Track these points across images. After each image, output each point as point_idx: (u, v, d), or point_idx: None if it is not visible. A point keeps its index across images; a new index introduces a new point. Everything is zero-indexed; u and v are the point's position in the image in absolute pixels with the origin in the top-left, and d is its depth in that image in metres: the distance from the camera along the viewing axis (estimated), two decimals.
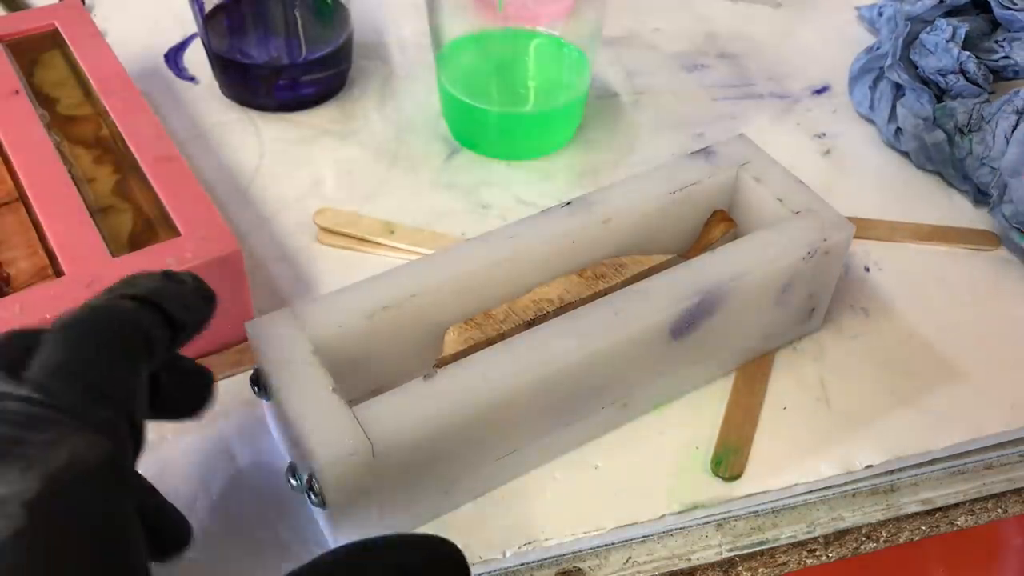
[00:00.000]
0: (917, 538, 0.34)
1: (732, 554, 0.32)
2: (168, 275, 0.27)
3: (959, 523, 0.34)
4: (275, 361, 0.29)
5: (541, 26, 0.45)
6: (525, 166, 0.46)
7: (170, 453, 0.33)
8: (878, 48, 0.49)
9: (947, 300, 0.40)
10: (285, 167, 0.45)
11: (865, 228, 0.43)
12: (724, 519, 0.33)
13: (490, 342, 0.31)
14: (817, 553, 0.33)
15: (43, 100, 0.42)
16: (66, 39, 0.44)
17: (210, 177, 0.45)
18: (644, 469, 0.33)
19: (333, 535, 0.29)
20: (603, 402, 0.33)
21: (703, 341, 0.33)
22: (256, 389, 0.30)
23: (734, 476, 0.33)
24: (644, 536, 0.32)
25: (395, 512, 0.30)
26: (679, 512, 0.32)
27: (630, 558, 0.32)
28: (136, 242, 0.35)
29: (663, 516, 0.32)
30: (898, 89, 0.47)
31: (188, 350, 0.27)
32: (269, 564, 0.30)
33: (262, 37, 0.47)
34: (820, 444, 0.34)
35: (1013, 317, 0.40)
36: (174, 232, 0.35)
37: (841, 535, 0.33)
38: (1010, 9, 0.47)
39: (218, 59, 0.47)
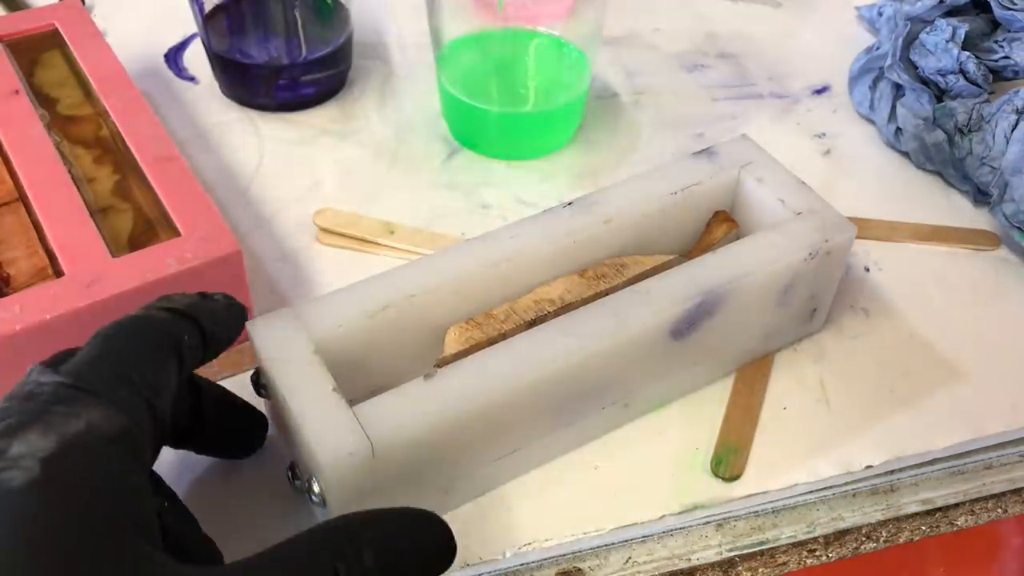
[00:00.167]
0: (917, 538, 0.34)
1: (732, 554, 0.32)
2: (203, 295, 0.29)
3: (959, 523, 0.34)
4: (276, 360, 0.29)
5: (541, 26, 0.45)
6: (525, 166, 0.46)
7: (170, 452, 0.33)
8: (878, 48, 0.49)
9: (947, 300, 0.40)
10: (285, 167, 0.45)
11: (865, 228, 0.43)
12: (724, 519, 0.33)
13: (491, 342, 0.31)
14: (817, 553, 0.33)
15: (43, 100, 0.42)
16: (66, 39, 0.44)
17: (210, 177, 0.45)
18: (644, 469, 0.33)
19: None
20: (604, 402, 0.33)
21: (704, 342, 0.33)
22: (257, 388, 0.30)
23: (734, 476, 0.33)
24: (644, 536, 0.32)
25: None
26: (679, 512, 0.32)
27: (630, 558, 0.32)
28: (136, 242, 0.35)
29: (663, 516, 0.32)
30: (898, 89, 0.47)
31: None
32: None
33: (262, 37, 0.47)
34: (820, 444, 0.34)
35: (1013, 317, 0.40)
36: (174, 232, 0.35)
37: (841, 535, 0.33)
38: (1010, 9, 0.47)
39: (218, 59, 0.47)
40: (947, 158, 0.45)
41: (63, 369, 0.24)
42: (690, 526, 0.33)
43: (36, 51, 0.44)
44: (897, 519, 0.34)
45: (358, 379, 0.31)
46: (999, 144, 0.42)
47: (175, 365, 0.26)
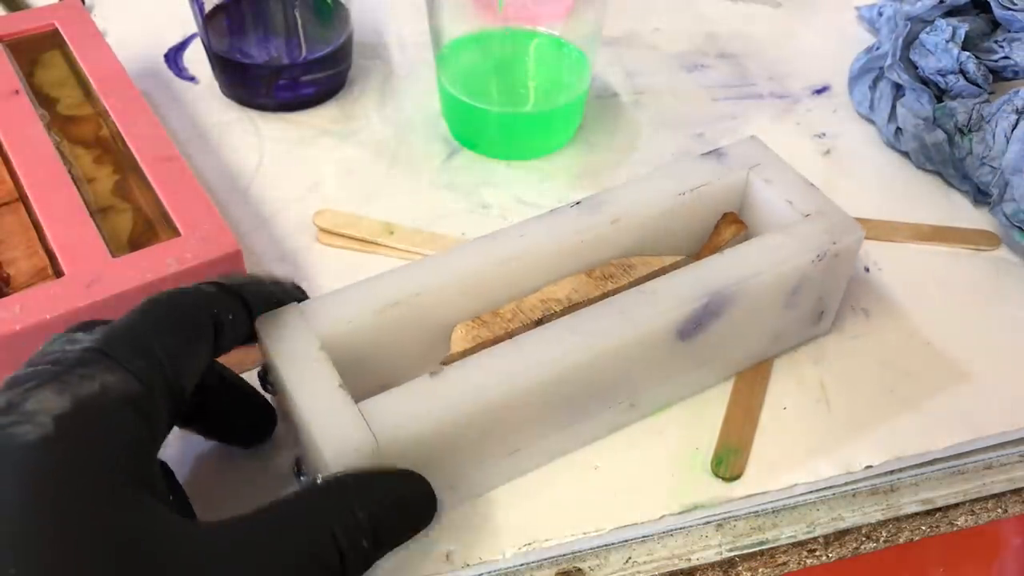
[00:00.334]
0: (917, 538, 0.34)
1: (732, 554, 0.32)
2: (276, 281, 0.31)
3: (959, 523, 0.34)
4: (283, 357, 0.29)
5: (541, 26, 0.45)
6: (525, 166, 0.46)
7: (177, 447, 0.33)
8: (878, 48, 0.49)
9: (947, 300, 0.40)
10: (285, 167, 0.45)
11: (865, 228, 0.42)
12: (724, 519, 0.33)
13: (497, 341, 0.31)
14: (817, 553, 0.33)
15: (43, 100, 0.42)
16: (66, 39, 0.44)
17: (210, 177, 0.45)
18: (644, 469, 0.33)
19: None
20: (609, 402, 0.33)
21: (711, 343, 0.33)
22: (264, 384, 0.31)
23: (734, 476, 0.33)
24: (644, 536, 0.32)
25: None
26: (679, 512, 0.32)
27: (630, 558, 0.32)
28: (136, 242, 0.35)
29: (663, 516, 0.32)
30: (898, 89, 0.47)
31: None
32: None
33: (262, 37, 0.47)
34: (820, 444, 0.34)
35: (1014, 317, 0.40)
36: (174, 232, 0.35)
37: (841, 535, 0.33)
38: (1010, 9, 0.47)
39: (218, 59, 0.47)
40: (947, 158, 0.45)
41: (97, 331, 0.25)
42: (690, 526, 0.33)
43: (36, 51, 0.44)
44: (897, 519, 0.34)
45: (364, 376, 0.31)
46: (999, 144, 0.42)
47: (206, 342, 0.27)
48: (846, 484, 0.34)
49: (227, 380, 0.31)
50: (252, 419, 0.32)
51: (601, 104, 0.50)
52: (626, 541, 0.32)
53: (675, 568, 0.32)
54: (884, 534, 0.33)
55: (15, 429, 0.21)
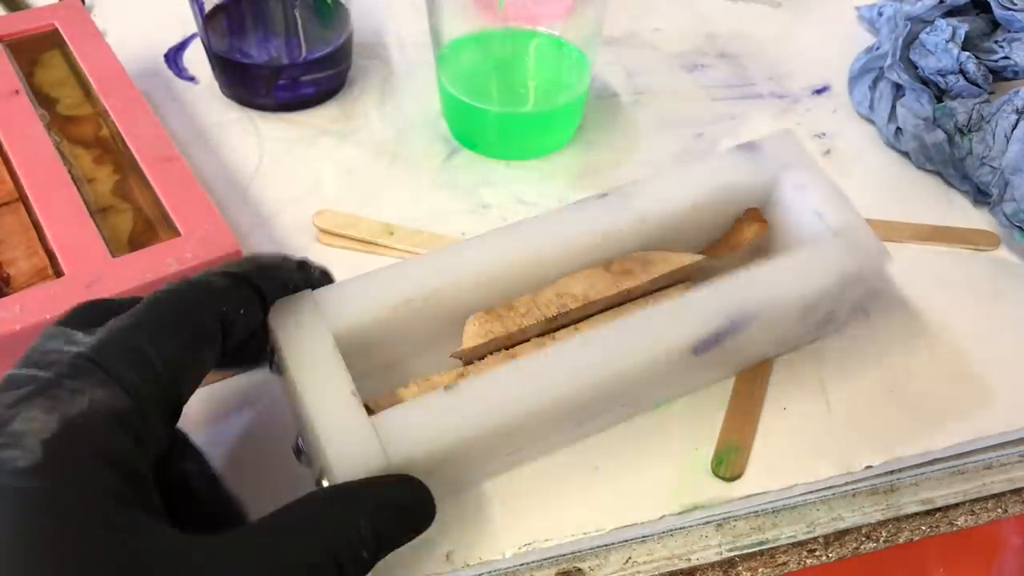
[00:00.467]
0: (917, 538, 0.34)
1: (732, 554, 0.32)
2: (301, 263, 0.30)
3: (959, 523, 0.34)
4: (293, 352, 0.28)
5: (541, 26, 0.45)
6: (525, 166, 0.46)
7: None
8: (878, 48, 0.49)
9: (947, 300, 0.40)
10: (285, 167, 0.45)
11: None
12: (724, 519, 0.33)
13: (509, 338, 0.31)
14: (817, 553, 0.33)
15: (43, 100, 0.42)
16: (66, 39, 0.44)
17: (210, 177, 0.45)
18: (644, 469, 0.33)
19: None
20: (613, 407, 0.33)
21: (722, 354, 0.33)
22: (270, 364, 0.30)
23: (734, 476, 0.33)
24: (644, 536, 0.32)
25: None
26: (679, 512, 0.32)
27: (630, 558, 0.32)
28: (136, 242, 0.35)
29: (663, 516, 0.32)
30: (898, 89, 0.47)
31: None
32: None
33: (262, 37, 0.47)
34: (820, 444, 0.34)
35: (1014, 317, 0.40)
36: (174, 232, 0.35)
37: (841, 535, 0.33)
38: (1010, 9, 0.47)
39: (218, 59, 0.47)
40: (947, 158, 0.45)
41: (94, 332, 0.24)
42: (690, 526, 0.33)
43: (36, 51, 0.44)
44: (897, 519, 0.34)
45: (375, 363, 0.31)
46: (999, 144, 0.42)
47: (210, 347, 0.26)
48: (846, 484, 0.34)
49: (208, 483, 0.29)
50: (218, 524, 0.30)
51: (601, 104, 0.50)
52: (626, 541, 0.32)
53: (675, 568, 0.32)
54: (884, 534, 0.34)
55: (3, 454, 0.21)
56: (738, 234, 0.36)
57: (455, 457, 0.29)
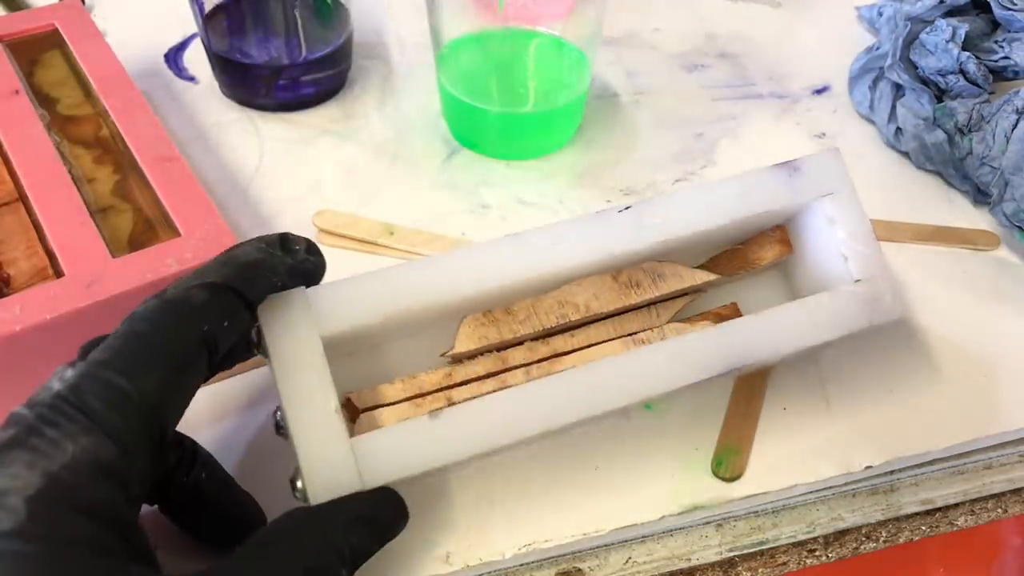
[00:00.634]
0: (917, 538, 0.34)
1: (732, 554, 0.32)
2: (284, 240, 0.28)
3: (959, 523, 0.34)
4: (281, 353, 0.27)
5: (541, 26, 0.45)
6: (525, 166, 0.46)
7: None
8: (878, 48, 0.49)
9: (947, 300, 0.40)
10: (285, 167, 0.45)
11: None
12: (724, 519, 0.33)
13: (503, 344, 0.31)
14: (817, 553, 0.33)
15: (43, 100, 0.42)
16: (66, 39, 0.44)
17: (210, 177, 0.45)
18: (644, 469, 0.33)
19: None
20: (601, 421, 0.32)
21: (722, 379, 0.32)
22: (257, 348, 0.29)
23: (734, 477, 0.33)
24: (644, 536, 0.32)
25: None
26: (679, 513, 0.32)
27: (630, 558, 0.32)
28: (136, 242, 0.35)
29: (663, 517, 0.32)
30: (898, 89, 0.47)
31: None
32: None
33: (262, 37, 0.47)
34: (820, 444, 0.34)
35: (1014, 317, 0.40)
36: (174, 232, 0.35)
37: (841, 535, 0.33)
38: (1010, 9, 0.47)
39: (218, 59, 0.47)
40: (947, 158, 0.45)
41: (66, 378, 0.23)
42: (690, 526, 0.33)
43: (36, 51, 0.44)
44: (897, 519, 0.34)
45: (362, 353, 0.31)
46: (999, 144, 0.42)
47: (195, 371, 0.25)
48: (846, 484, 0.34)
49: (221, 488, 0.29)
50: (239, 528, 0.30)
51: (601, 104, 0.50)
52: (626, 541, 0.32)
53: (675, 568, 0.32)
54: (884, 534, 0.33)
55: None
56: (758, 250, 0.35)
57: (434, 477, 0.28)
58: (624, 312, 0.32)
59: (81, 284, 0.32)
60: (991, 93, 0.45)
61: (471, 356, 0.31)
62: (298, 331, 0.27)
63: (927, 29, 0.46)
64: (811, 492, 0.34)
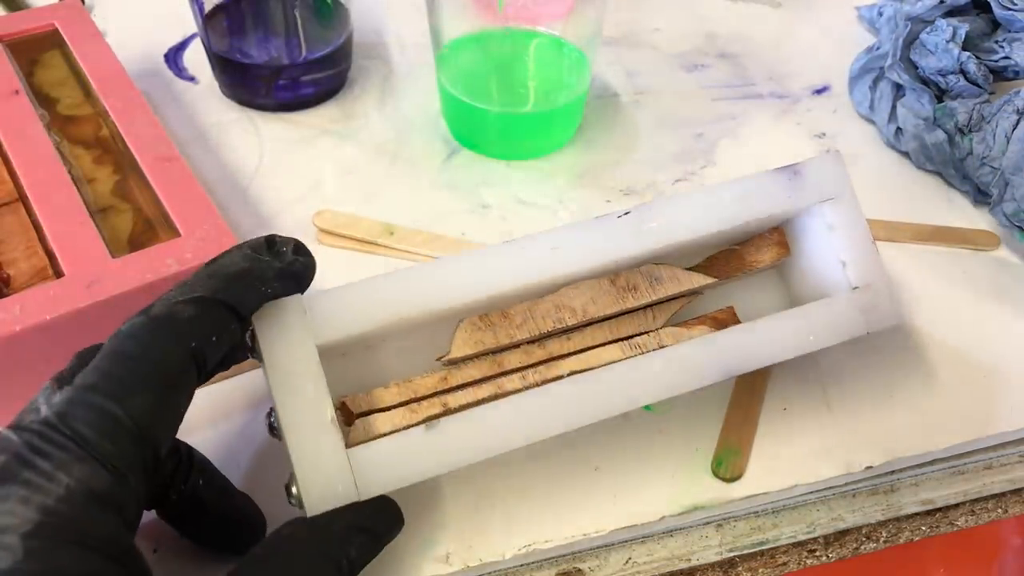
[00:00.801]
0: (917, 538, 0.34)
1: (732, 554, 0.32)
2: (270, 243, 0.27)
3: (959, 523, 0.34)
4: (276, 361, 0.27)
5: (541, 26, 0.45)
6: (525, 166, 0.46)
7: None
8: (878, 48, 0.49)
9: (947, 300, 0.40)
10: (285, 167, 0.45)
11: None
12: (724, 519, 0.33)
13: (499, 349, 0.31)
14: (817, 553, 0.33)
15: (43, 100, 0.42)
16: (66, 39, 0.44)
17: (210, 177, 0.45)
18: (644, 470, 0.33)
19: None
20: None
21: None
22: (251, 354, 0.28)
23: (734, 477, 0.33)
24: (644, 536, 0.32)
25: None
26: (679, 513, 0.32)
27: (630, 558, 0.32)
28: (136, 242, 0.35)
29: (663, 517, 0.32)
30: (898, 89, 0.47)
31: None
32: None
33: (262, 37, 0.47)
34: (820, 444, 0.34)
35: (1014, 317, 0.40)
36: (174, 232, 0.35)
37: (841, 535, 0.33)
38: (1010, 9, 0.47)
39: (218, 59, 0.47)
40: (947, 158, 0.45)
41: (54, 403, 0.23)
42: (690, 526, 0.33)
43: (36, 51, 0.44)
44: (897, 519, 0.34)
45: (357, 355, 0.31)
46: (999, 144, 0.42)
47: (185, 390, 0.24)
48: (846, 484, 0.34)
49: (219, 493, 0.29)
50: (239, 532, 0.30)
51: (601, 104, 0.50)
52: (626, 541, 0.32)
53: (675, 568, 0.32)
54: (884, 534, 0.33)
55: None
56: (756, 253, 0.34)
57: (429, 483, 0.28)
58: (621, 315, 0.32)
59: (81, 284, 0.32)
60: (991, 93, 0.45)
61: (467, 360, 0.31)
62: (294, 339, 0.27)
63: (927, 29, 0.46)
64: (811, 492, 0.34)
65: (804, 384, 0.37)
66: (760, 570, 0.32)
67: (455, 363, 0.31)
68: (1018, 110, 0.42)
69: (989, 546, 0.36)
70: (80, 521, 0.21)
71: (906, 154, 0.47)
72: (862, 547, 0.33)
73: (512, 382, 0.30)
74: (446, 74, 0.45)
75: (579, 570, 0.32)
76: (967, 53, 0.45)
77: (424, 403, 0.30)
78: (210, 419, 0.34)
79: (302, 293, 0.28)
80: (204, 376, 0.25)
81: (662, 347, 0.31)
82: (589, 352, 0.31)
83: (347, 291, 0.28)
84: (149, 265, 0.33)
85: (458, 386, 0.30)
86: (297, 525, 0.26)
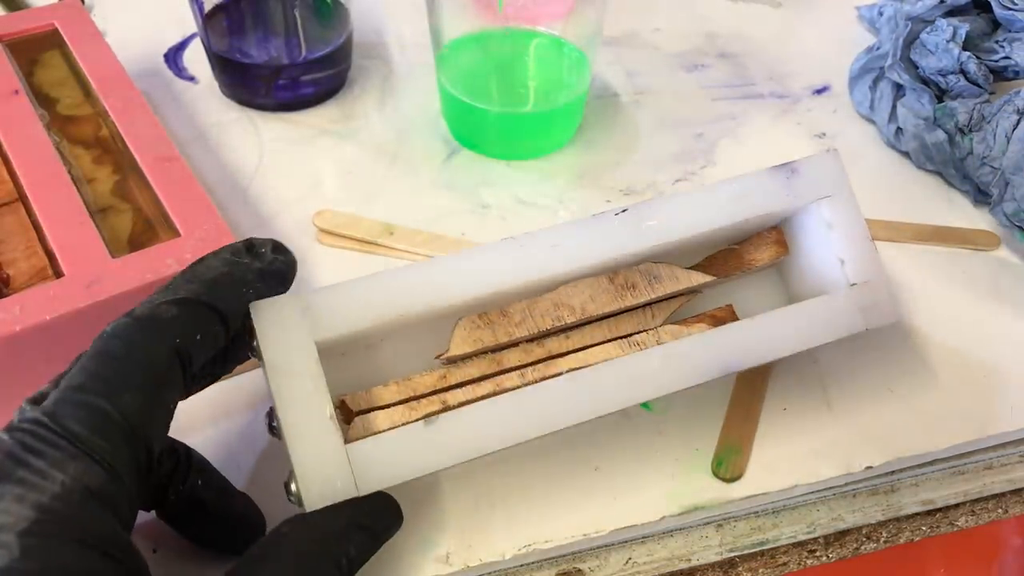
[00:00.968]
0: (917, 538, 0.34)
1: (732, 554, 0.32)
2: (249, 246, 0.27)
3: (959, 523, 0.34)
4: (275, 358, 0.27)
5: (541, 26, 0.45)
6: (525, 166, 0.46)
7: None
8: (878, 48, 0.49)
9: (947, 300, 0.40)
10: (285, 167, 0.45)
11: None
12: (724, 519, 0.33)
13: (498, 348, 0.31)
14: (817, 553, 0.33)
15: (43, 100, 0.42)
16: (66, 39, 0.44)
17: (210, 177, 0.45)
18: (644, 470, 0.33)
19: None
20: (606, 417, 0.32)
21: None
22: (251, 353, 0.28)
23: (735, 477, 0.33)
24: (644, 537, 0.32)
25: None
26: (679, 514, 0.32)
27: (630, 559, 0.32)
28: (136, 242, 0.35)
29: (663, 518, 0.32)
30: (898, 89, 0.47)
31: None
32: None
33: (262, 37, 0.47)
34: (820, 444, 0.34)
35: (1014, 317, 0.40)
36: (174, 232, 0.35)
37: (841, 535, 0.33)
38: (1010, 9, 0.47)
39: (218, 59, 0.47)
40: (947, 158, 0.45)
41: (46, 400, 0.23)
42: (690, 526, 0.33)
43: (36, 51, 0.44)
44: (897, 519, 0.34)
45: (356, 353, 0.30)
46: (1000, 144, 0.42)
47: (172, 386, 0.25)
48: (846, 484, 0.34)
49: (217, 493, 0.29)
50: (238, 532, 0.30)
51: (601, 104, 0.50)
52: (626, 542, 0.32)
53: (675, 569, 0.32)
54: (884, 534, 0.33)
55: None
56: (754, 251, 0.34)
57: (427, 479, 0.28)
58: (619, 314, 0.32)
59: (81, 284, 0.32)
60: (992, 93, 0.45)
61: (466, 358, 0.31)
62: (293, 336, 0.27)
63: (927, 29, 0.46)
64: (811, 492, 0.34)
65: (804, 384, 0.37)
66: (760, 570, 0.32)
67: (454, 361, 0.31)
68: (1018, 110, 0.42)
69: (989, 546, 0.36)
70: (77, 518, 0.21)
71: (906, 154, 0.47)
72: (862, 547, 0.33)
73: (511, 380, 0.30)
74: (446, 74, 0.45)
75: (579, 570, 0.32)
76: (967, 53, 0.45)
77: (423, 401, 0.30)
78: (210, 419, 0.34)
79: (286, 291, 0.28)
80: (191, 377, 0.25)
81: (661, 345, 0.31)
82: (588, 350, 0.31)
83: (346, 288, 0.28)
84: (149, 265, 0.33)
85: (457, 384, 0.30)
86: (295, 523, 0.25)
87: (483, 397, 0.30)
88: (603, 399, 0.29)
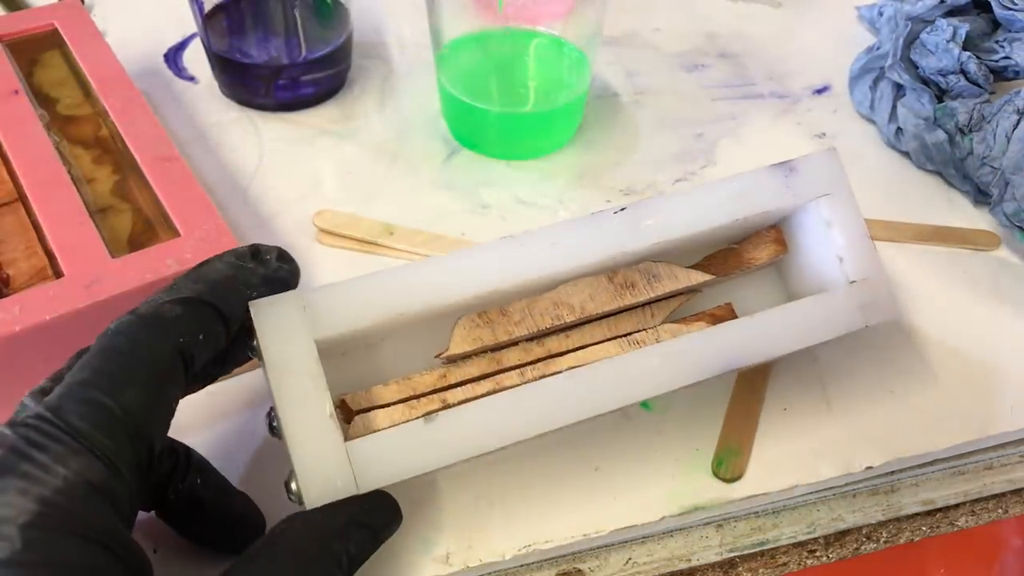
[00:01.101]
0: (917, 539, 0.34)
1: (732, 555, 0.32)
2: (254, 252, 0.28)
3: (960, 524, 0.34)
4: (275, 357, 0.27)
5: (541, 26, 0.45)
6: (525, 166, 0.46)
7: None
8: (878, 48, 0.49)
9: (947, 300, 0.40)
10: (285, 167, 0.45)
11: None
12: (724, 520, 0.33)
13: (497, 346, 0.31)
14: (817, 554, 0.33)
15: (43, 100, 0.42)
16: (66, 39, 0.44)
17: (210, 177, 0.45)
18: (644, 470, 0.33)
19: None
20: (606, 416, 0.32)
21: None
22: (252, 352, 0.28)
23: (735, 477, 0.33)
24: (644, 537, 0.32)
25: None
26: (679, 514, 0.32)
27: (630, 559, 0.32)
28: (136, 242, 0.35)
29: (663, 518, 0.32)
30: (898, 89, 0.47)
31: None
32: None
33: (262, 37, 0.47)
34: (820, 445, 0.34)
35: (1014, 317, 0.40)
36: (174, 232, 0.35)
37: (841, 535, 0.33)
38: (1011, 9, 0.47)
39: (218, 59, 0.47)
40: (947, 158, 0.45)
41: (47, 400, 0.23)
42: (690, 527, 0.33)
43: (36, 51, 0.44)
44: (897, 519, 0.34)
45: (356, 353, 0.30)
46: (1000, 144, 0.42)
47: (174, 383, 0.25)
48: (846, 484, 0.34)
49: (217, 492, 0.29)
50: (238, 532, 0.30)
51: (601, 104, 0.50)
52: (626, 542, 0.32)
53: (675, 569, 0.32)
54: (884, 535, 0.33)
55: None
56: (753, 250, 0.34)
57: (427, 477, 0.28)
58: (619, 313, 0.32)
59: (81, 284, 0.32)
60: (992, 93, 0.45)
61: (466, 357, 0.31)
62: (293, 335, 0.27)
63: (928, 29, 0.46)
64: (811, 493, 0.34)
65: (804, 384, 0.36)
66: (760, 570, 0.32)
67: (454, 360, 0.31)
68: (1018, 110, 0.42)
69: (989, 546, 0.36)
70: (79, 512, 0.21)
71: (906, 154, 0.47)
72: (862, 547, 0.33)
73: (511, 379, 0.30)
74: (446, 74, 0.45)
75: (579, 570, 0.32)
76: (967, 53, 0.45)
77: (423, 400, 0.30)
78: (210, 419, 0.34)
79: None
80: (192, 376, 0.26)
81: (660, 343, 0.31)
82: (587, 349, 0.31)
83: (346, 287, 0.29)
84: (149, 265, 0.33)
85: (457, 383, 0.30)
86: (295, 521, 0.25)
87: (483, 396, 0.30)
88: (602, 397, 0.29)
